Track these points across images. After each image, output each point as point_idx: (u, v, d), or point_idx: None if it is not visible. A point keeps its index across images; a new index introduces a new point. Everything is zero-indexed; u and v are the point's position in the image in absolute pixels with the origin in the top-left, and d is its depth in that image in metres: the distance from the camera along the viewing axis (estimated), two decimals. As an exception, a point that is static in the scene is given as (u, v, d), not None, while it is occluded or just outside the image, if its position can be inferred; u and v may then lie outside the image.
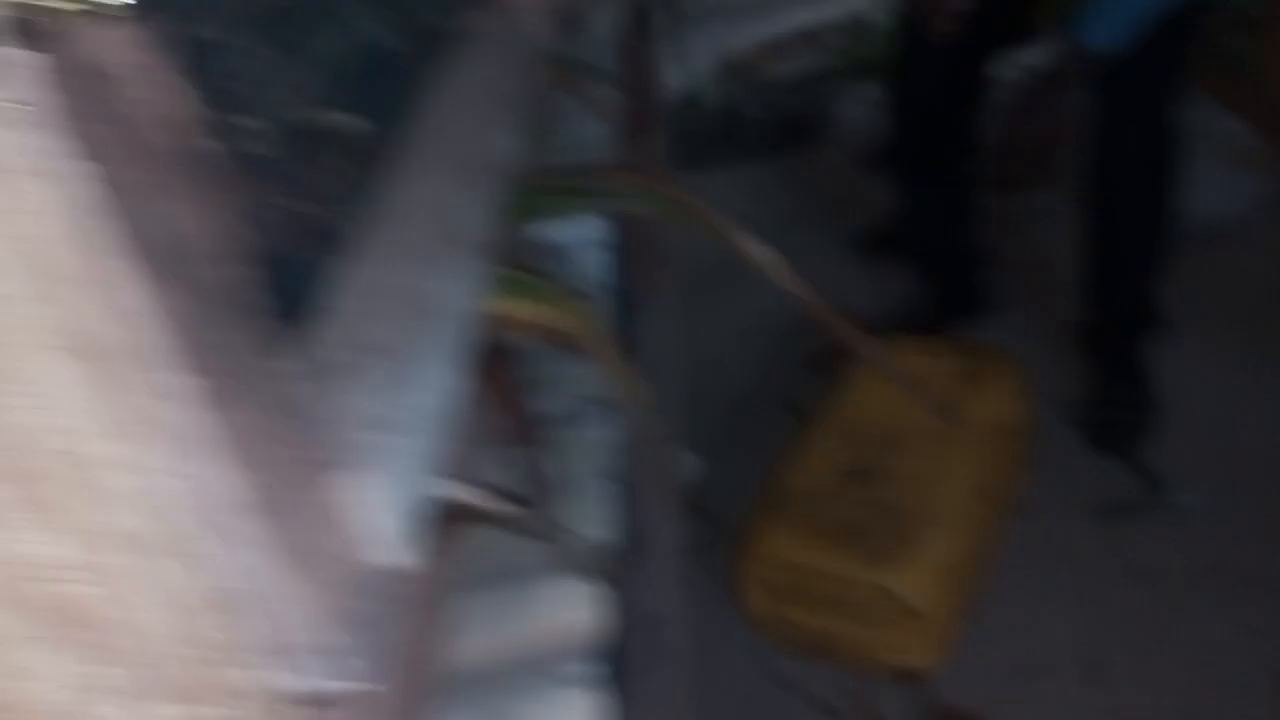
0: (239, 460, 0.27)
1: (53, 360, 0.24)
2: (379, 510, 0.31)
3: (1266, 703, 1.30)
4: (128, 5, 0.25)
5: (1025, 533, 1.57)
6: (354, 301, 0.38)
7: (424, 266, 0.42)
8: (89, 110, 0.24)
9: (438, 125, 0.60)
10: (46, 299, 0.24)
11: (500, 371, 0.53)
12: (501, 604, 0.51)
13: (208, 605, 0.26)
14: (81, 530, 0.26)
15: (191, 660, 0.26)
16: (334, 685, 0.26)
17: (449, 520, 0.41)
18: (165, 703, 0.27)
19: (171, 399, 0.25)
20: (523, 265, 0.54)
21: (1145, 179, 1.56)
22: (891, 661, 1.36)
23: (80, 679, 0.27)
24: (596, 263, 0.84)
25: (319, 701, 0.27)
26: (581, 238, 0.87)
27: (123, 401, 0.25)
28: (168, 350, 0.25)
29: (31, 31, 0.23)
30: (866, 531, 1.33)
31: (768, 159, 2.79)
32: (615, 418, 0.59)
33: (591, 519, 0.57)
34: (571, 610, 0.50)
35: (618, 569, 0.55)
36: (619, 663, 1.10)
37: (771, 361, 2.07)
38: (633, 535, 1.07)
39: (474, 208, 0.50)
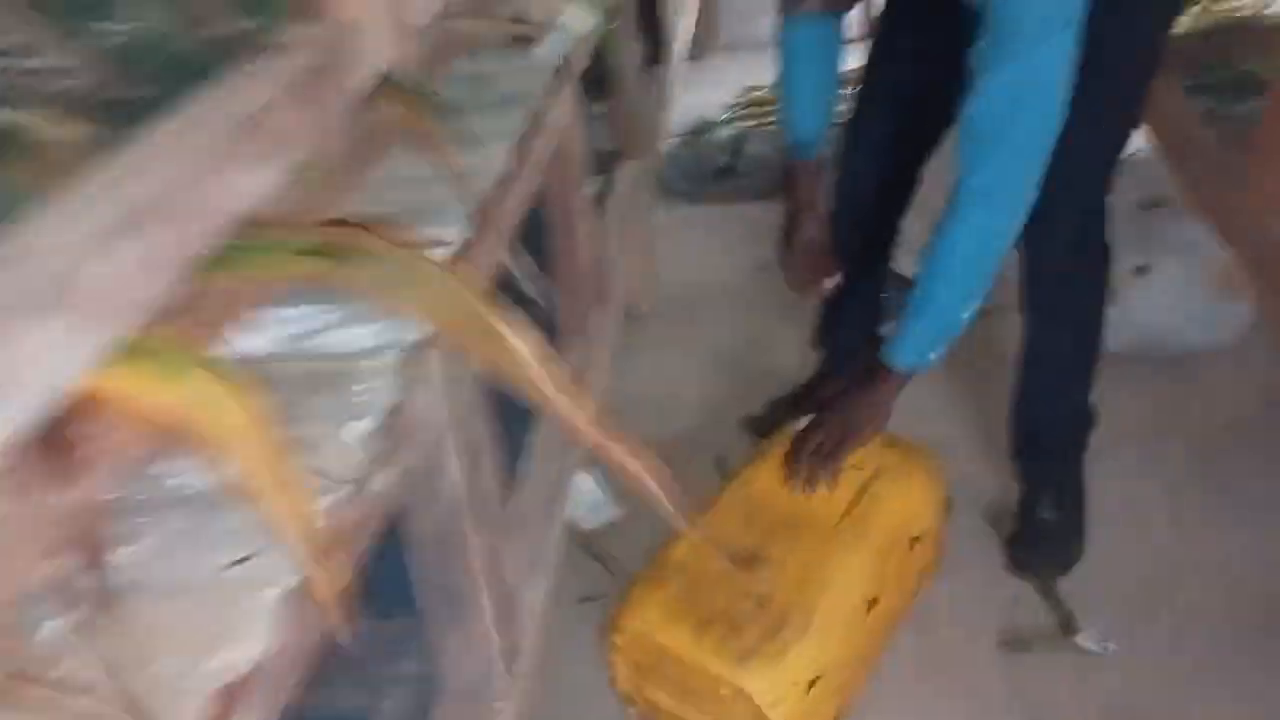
0: None
1: None
2: None
3: None
4: None
5: (920, 645, 1.45)
6: None
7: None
8: None
9: (154, 150, 0.50)
10: None
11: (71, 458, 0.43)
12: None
13: None
14: None
15: None
16: None
17: None
18: None
19: None
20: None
21: (1070, 293, 1.45)
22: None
23: None
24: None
25: None
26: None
27: None
28: None
29: None
30: (737, 624, 1.21)
31: (768, 201, 2.69)
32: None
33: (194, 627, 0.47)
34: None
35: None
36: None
37: (710, 410, 1.96)
38: (446, 602, 0.97)
39: (128, 258, 0.41)
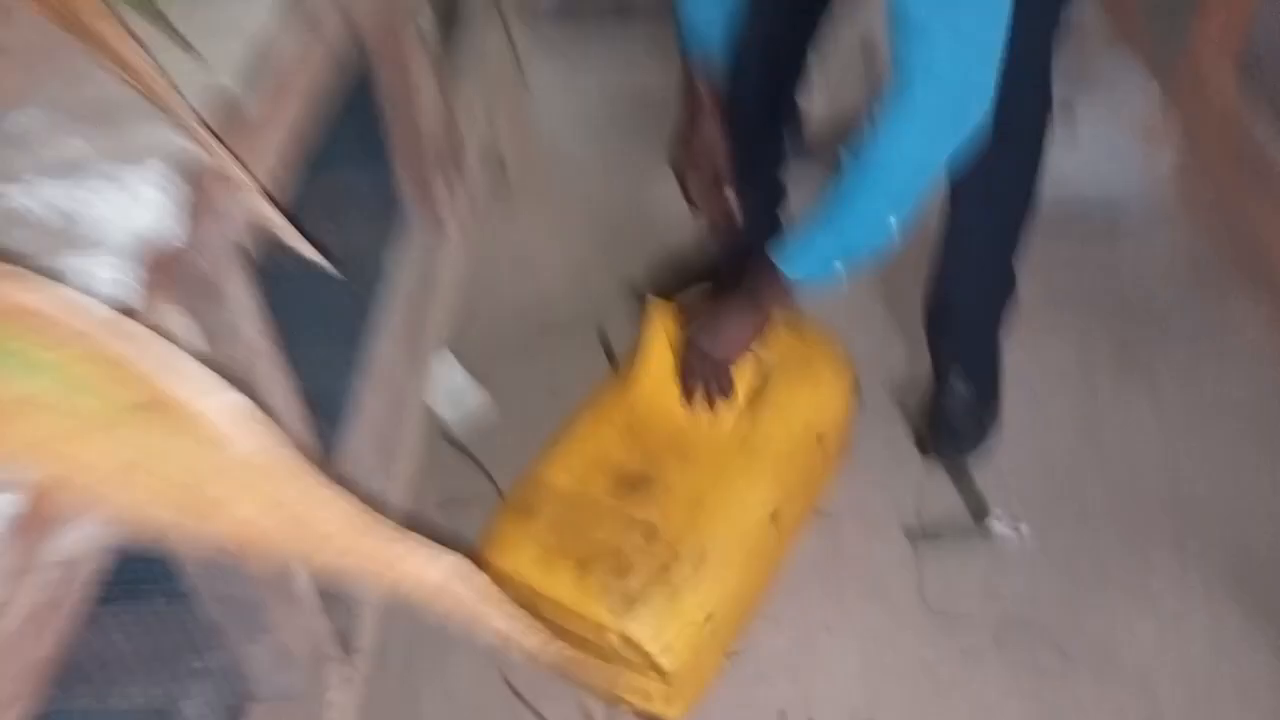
0: None
1: None
2: None
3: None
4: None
5: (822, 539, 1.30)
6: None
7: None
8: None
9: None
10: None
11: None
12: None
13: None
14: None
15: None
16: None
17: None
18: None
19: None
20: None
21: (1004, 145, 1.21)
22: (635, 704, 1.11)
23: None
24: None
25: None
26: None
27: None
28: None
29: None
30: (623, 563, 1.03)
31: (657, 19, 2.33)
32: None
33: None
34: None
35: None
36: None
37: (590, 276, 1.72)
38: (237, 615, 0.76)
39: None
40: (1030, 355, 1.47)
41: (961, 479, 1.36)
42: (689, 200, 1.33)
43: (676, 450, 1.12)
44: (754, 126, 1.40)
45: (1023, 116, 1.17)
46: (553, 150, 2.00)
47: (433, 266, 1.26)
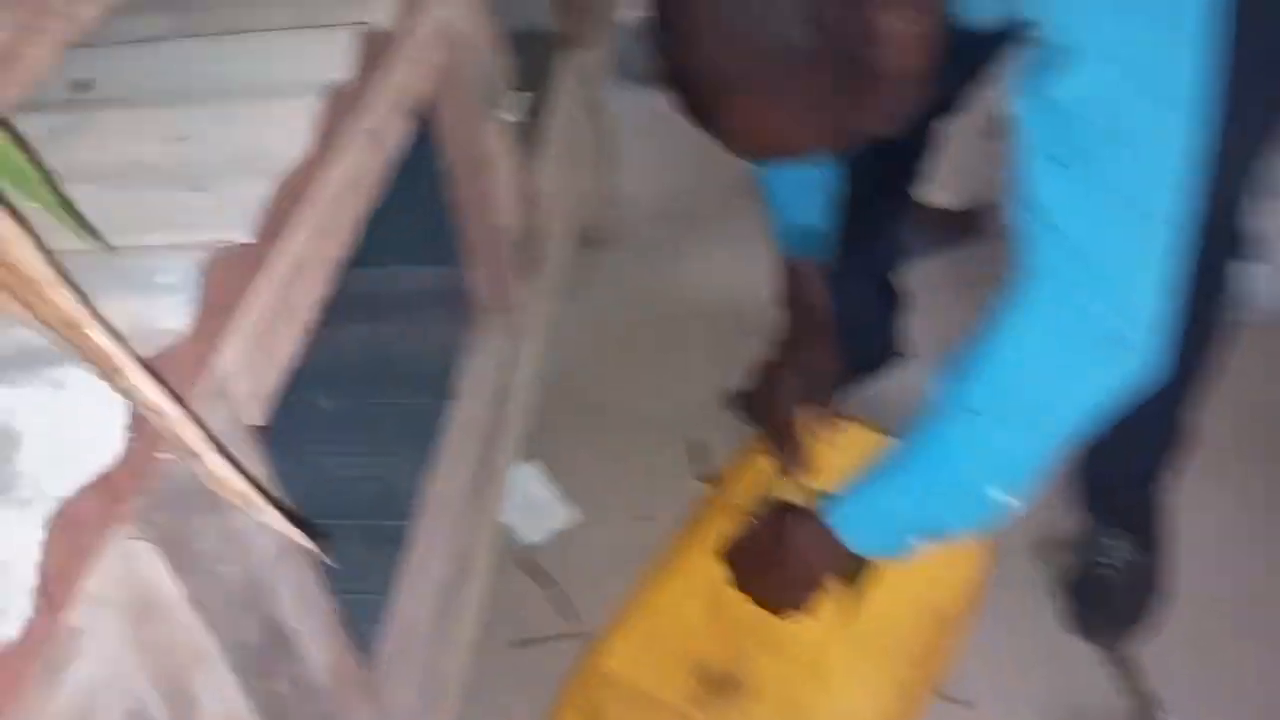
0: None
1: None
2: None
3: None
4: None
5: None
6: None
7: None
8: None
9: None
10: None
11: None
12: None
13: None
14: None
15: None
16: None
17: None
18: None
19: None
20: None
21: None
22: None
23: None
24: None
25: None
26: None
27: None
28: None
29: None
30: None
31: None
32: None
33: None
34: None
35: None
36: None
37: (682, 375, 1.52)
38: None
39: None
40: (1184, 499, 1.18)
41: (1123, 669, 1.11)
42: (758, 422, 1.09)
43: (768, 635, 0.91)
44: (862, 225, 1.18)
45: (1208, 262, 0.91)
46: (644, 229, 1.83)
47: (509, 373, 1.11)
